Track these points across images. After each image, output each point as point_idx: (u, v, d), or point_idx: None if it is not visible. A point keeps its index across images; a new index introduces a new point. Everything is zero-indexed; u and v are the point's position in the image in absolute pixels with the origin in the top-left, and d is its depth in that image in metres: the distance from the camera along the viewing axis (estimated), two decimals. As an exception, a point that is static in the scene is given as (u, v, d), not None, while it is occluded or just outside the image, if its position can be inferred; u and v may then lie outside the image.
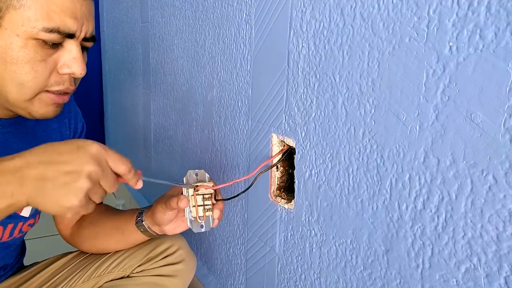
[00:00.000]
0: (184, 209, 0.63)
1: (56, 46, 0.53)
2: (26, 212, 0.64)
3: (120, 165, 0.47)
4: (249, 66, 0.77)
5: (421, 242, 0.46)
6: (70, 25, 0.52)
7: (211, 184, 0.62)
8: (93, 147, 0.45)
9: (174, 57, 1.16)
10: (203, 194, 0.62)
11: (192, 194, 0.61)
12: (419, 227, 0.46)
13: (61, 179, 0.43)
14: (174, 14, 1.13)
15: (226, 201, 0.67)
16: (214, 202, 0.64)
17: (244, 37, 0.77)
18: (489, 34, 0.37)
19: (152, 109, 1.44)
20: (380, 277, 0.52)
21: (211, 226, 0.63)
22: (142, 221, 0.69)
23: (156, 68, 1.35)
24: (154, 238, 0.76)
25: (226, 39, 0.85)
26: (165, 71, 1.26)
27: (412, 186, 0.46)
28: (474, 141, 0.39)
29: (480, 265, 0.40)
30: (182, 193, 0.62)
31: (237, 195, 0.69)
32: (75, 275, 0.73)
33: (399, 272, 0.50)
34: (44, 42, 0.51)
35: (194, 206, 0.61)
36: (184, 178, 0.62)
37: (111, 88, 2.07)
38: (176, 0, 1.10)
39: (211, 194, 0.63)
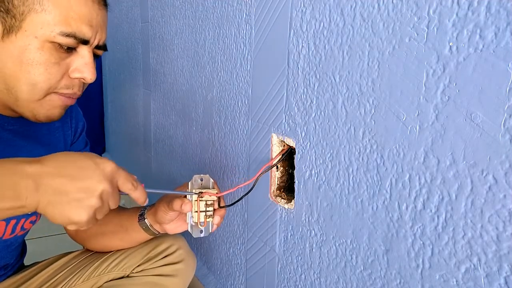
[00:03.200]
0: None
1: (70, 50, 0.55)
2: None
3: (126, 185, 0.50)
4: (249, 66, 0.77)
5: (421, 242, 0.46)
6: (85, 31, 0.55)
7: (215, 191, 0.63)
8: (109, 165, 0.48)
9: (174, 57, 1.16)
10: (206, 201, 0.62)
11: (196, 199, 0.61)
12: (419, 227, 0.46)
13: (75, 195, 0.45)
14: (174, 14, 1.13)
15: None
16: (217, 207, 0.64)
17: (244, 37, 0.77)
18: (489, 34, 0.37)
19: (152, 109, 1.44)
20: (380, 277, 0.53)
21: (210, 231, 0.64)
22: (144, 219, 0.70)
23: (156, 68, 1.35)
24: (154, 238, 0.76)
25: (226, 39, 0.85)
26: (165, 71, 1.26)
27: (412, 186, 0.46)
28: (474, 141, 0.39)
29: (480, 265, 0.40)
30: (186, 197, 0.62)
31: (238, 200, 0.69)
32: (75, 274, 0.73)
33: (399, 272, 0.50)
34: (60, 45, 0.54)
35: (196, 211, 0.61)
36: (189, 183, 0.63)
37: (111, 88, 2.07)
38: (176, 0, 1.10)
39: (213, 200, 0.63)
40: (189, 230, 0.63)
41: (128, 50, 1.68)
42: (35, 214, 0.70)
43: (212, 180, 0.64)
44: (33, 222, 0.71)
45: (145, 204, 0.54)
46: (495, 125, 0.37)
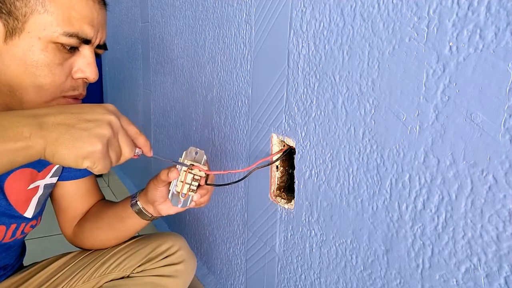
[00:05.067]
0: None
1: (73, 50, 0.56)
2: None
3: (131, 127, 0.51)
4: (249, 66, 0.77)
5: (421, 242, 0.46)
6: (87, 31, 0.55)
7: (205, 167, 0.63)
8: (110, 105, 0.49)
9: (174, 57, 1.16)
10: (194, 174, 0.63)
11: (185, 170, 0.62)
12: (419, 227, 0.46)
13: (83, 125, 0.44)
14: (174, 14, 1.13)
15: (219, 191, 0.68)
16: (202, 184, 0.65)
17: (244, 37, 0.77)
18: (489, 34, 0.37)
19: (152, 109, 1.44)
20: (380, 277, 0.53)
21: (187, 205, 0.65)
22: (136, 201, 0.71)
23: (156, 68, 1.35)
24: (155, 238, 0.76)
25: (226, 39, 0.85)
26: (165, 71, 1.26)
27: (412, 186, 0.46)
28: (474, 141, 0.39)
29: (480, 265, 0.40)
30: (176, 167, 0.63)
31: (226, 184, 0.69)
32: (76, 275, 0.73)
33: (399, 272, 0.50)
34: (63, 46, 0.54)
35: (182, 182, 0.62)
36: (184, 152, 0.64)
37: (111, 88, 2.07)
38: (176, 0, 1.10)
39: (201, 177, 0.64)
40: (169, 197, 0.64)
41: (128, 50, 1.68)
42: (36, 218, 0.70)
43: (205, 158, 0.64)
44: (33, 226, 0.71)
45: (151, 155, 0.55)
46: (495, 125, 0.37)
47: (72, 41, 0.54)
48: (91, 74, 0.58)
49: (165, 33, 1.22)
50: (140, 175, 1.67)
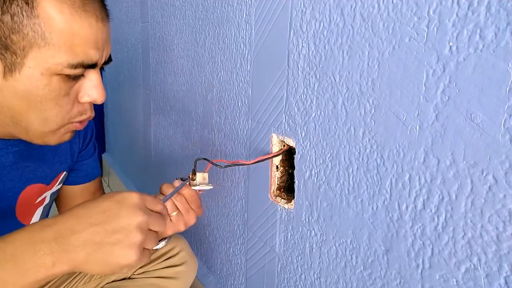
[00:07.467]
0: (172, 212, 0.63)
1: (78, 77, 0.52)
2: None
3: (157, 206, 0.48)
4: (249, 66, 0.77)
5: (421, 242, 0.46)
6: (92, 56, 0.51)
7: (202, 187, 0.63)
8: (132, 196, 0.45)
9: (174, 57, 1.16)
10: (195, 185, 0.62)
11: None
12: (419, 227, 0.46)
13: (111, 238, 0.42)
14: (174, 14, 1.13)
15: (219, 190, 0.67)
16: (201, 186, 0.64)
17: (244, 37, 0.77)
18: (489, 34, 0.37)
19: (152, 109, 1.44)
20: (380, 277, 0.53)
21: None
22: None
23: (156, 68, 1.35)
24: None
25: (226, 39, 0.85)
26: (165, 71, 1.26)
27: (412, 186, 0.46)
28: (474, 141, 0.39)
29: (480, 265, 0.40)
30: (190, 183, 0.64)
31: (238, 164, 0.68)
32: (76, 276, 0.73)
33: (399, 272, 0.50)
34: (68, 76, 0.50)
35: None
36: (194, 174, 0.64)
37: (111, 88, 2.07)
38: (176, 0, 1.10)
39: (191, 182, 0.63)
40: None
41: (128, 50, 1.68)
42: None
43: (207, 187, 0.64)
44: None
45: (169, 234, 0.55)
46: (495, 125, 0.37)
47: (78, 71, 0.50)
48: (99, 97, 0.54)
49: (165, 33, 1.22)
50: (140, 175, 1.67)
